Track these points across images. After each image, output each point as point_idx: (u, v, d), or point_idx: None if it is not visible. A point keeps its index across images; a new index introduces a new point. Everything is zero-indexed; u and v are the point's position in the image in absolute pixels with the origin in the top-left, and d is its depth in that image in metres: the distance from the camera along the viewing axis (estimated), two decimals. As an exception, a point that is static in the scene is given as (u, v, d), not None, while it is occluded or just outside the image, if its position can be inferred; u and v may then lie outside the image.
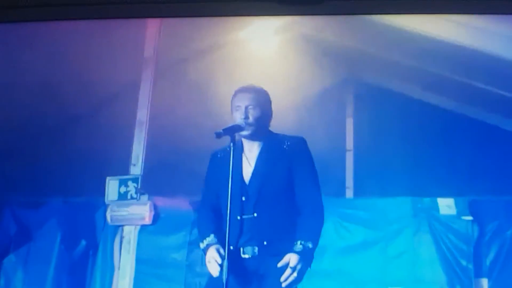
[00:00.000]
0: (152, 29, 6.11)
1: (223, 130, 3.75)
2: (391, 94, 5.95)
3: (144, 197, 5.89)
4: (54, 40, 5.66)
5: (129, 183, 5.91)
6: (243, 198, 3.80)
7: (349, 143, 5.58)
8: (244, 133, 3.87)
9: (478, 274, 5.55)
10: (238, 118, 3.88)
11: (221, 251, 3.71)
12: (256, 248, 3.74)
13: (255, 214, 3.76)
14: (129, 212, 5.85)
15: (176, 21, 5.94)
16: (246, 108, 3.85)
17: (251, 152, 3.88)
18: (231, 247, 3.74)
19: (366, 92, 5.96)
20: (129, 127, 6.04)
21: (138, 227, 5.86)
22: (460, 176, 5.71)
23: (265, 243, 3.73)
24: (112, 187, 5.91)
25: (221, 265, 3.69)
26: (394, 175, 5.74)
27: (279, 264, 3.69)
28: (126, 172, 5.95)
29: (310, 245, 3.72)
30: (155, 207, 5.87)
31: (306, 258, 3.71)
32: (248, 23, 5.67)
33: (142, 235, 5.87)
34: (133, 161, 5.97)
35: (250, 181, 3.83)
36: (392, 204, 5.72)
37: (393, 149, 5.78)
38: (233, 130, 3.79)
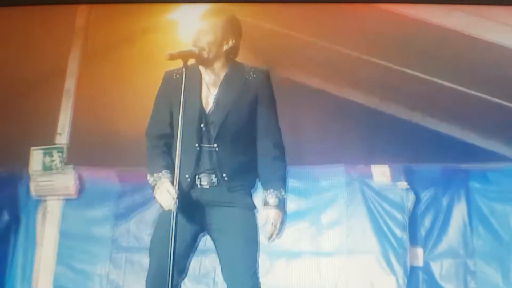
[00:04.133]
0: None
1: (177, 52, 3.44)
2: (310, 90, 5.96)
3: (69, 168, 5.72)
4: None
5: (54, 153, 5.73)
6: (202, 126, 3.52)
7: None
8: (198, 59, 3.54)
9: (413, 244, 5.41)
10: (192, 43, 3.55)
11: (175, 183, 3.38)
12: (215, 178, 3.51)
13: (216, 146, 3.50)
14: (54, 183, 5.68)
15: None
16: (200, 32, 3.55)
17: (211, 79, 3.59)
18: (187, 176, 3.48)
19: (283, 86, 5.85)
20: (56, 96, 5.92)
21: (63, 200, 5.70)
22: (395, 143, 5.60)
23: (225, 176, 3.50)
24: (36, 157, 5.74)
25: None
26: (322, 147, 5.68)
27: (260, 223, 3.52)
28: (52, 142, 5.80)
29: (283, 193, 3.55)
30: (80, 178, 5.71)
31: (282, 207, 3.54)
32: (175, 8, 5.86)
33: (67, 208, 5.69)
34: (59, 130, 5.82)
35: (212, 108, 3.55)
36: (325, 173, 5.60)
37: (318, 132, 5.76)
38: (185, 55, 3.45)
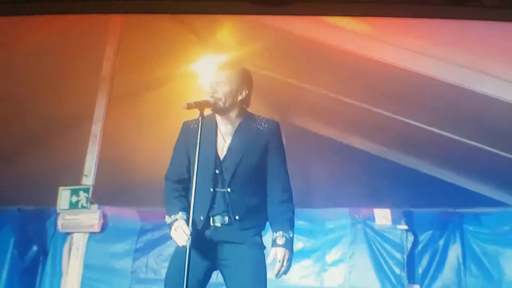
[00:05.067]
0: (110, 51, 6.51)
1: (194, 102, 3.54)
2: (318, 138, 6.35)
3: (94, 206, 6.13)
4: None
5: (80, 193, 6.14)
6: (217, 172, 3.66)
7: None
8: (214, 108, 3.67)
9: (411, 281, 5.73)
10: (209, 93, 3.67)
11: (189, 223, 3.52)
12: (227, 217, 3.65)
13: (229, 190, 3.64)
14: (79, 220, 6.07)
15: (132, 46, 6.38)
16: (217, 83, 3.67)
17: (226, 128, 3.72)
18: (202, 218, 3.62)
19: (296, 134, 6.20)
20: (83, 139, 6.33)
21: (87, 235, 6.07)
22: (396, 189, 5.97)
23: (237, 217, 3.64)
24: (64, 196, 6.15)
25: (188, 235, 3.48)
26: (328, 191, 6.06)
27: (268, 261, 3.63)
28: (78, 182, 6.21)
29: (291, 234, 3.66)
30: (104, 216, 6.08)
31: (289, 247, 3.63)
32: (195, 58, 6.27)
33: (90, 242, 6.06)
34: (85, 172, 6.21)
35: (226, 156, 3.68)
36: (331, 215, 5.92)
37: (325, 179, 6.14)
38: (202, 105, 3.58)
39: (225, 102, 3.67)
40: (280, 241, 3.64)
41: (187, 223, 3.53)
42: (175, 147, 3.84)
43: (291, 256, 3.65)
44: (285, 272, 3.65)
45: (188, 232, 3.49)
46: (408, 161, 6.15)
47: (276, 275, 3.63)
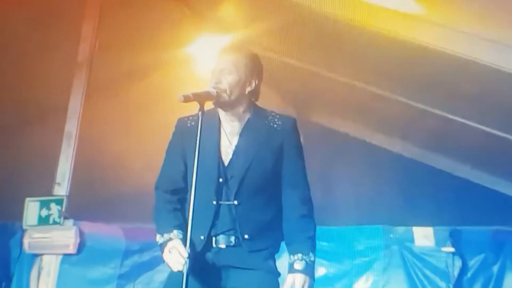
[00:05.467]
0: (88, 31, 5.74)
1: (192, 94, 3.11)
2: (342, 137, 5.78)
3: (69, 222, 5.39)
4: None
5: (52, 205, 5.41)
6: (220, 180, 3.26)
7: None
8: (217, 101, 3.26)
9: (458, 317, 5.07)
10: (211, 83, 3.27)
11: (187, 243, 3.15)
12: (233, 238, 3.25)
13: (236, 202, 3.23)
14: (51, 238, 5.34)
15: (114, 23, 5.67)
16: (221, 71, 3.27)
17: (231, 127, 3.33)
18: (202, 237, 3.23)
19: (315, 131, 5.70)
20: (55, 140, 5.55)
21: (60, 257, 5.37)
22: (441, 204, 5.28)
23: (246, 236, 3.23)
24: (31, 209, 5.42)
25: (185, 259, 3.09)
26: (357, 204, 5.40)
27: None
28: (49, 192, 5.48)
29: (312, 257, 3.25)
30: (81, 234, 5.37)
31: (310, 273, 3.22)
32: (191, 39, 5.64)
33: (64, 266, 5.37)
34: (58, 179, 5.45)
35: (231, 161, 3.29)
36: (360, 234, 5.26)
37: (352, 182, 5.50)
38: (202, 97, 3.16)
39: (230, 94, 3.28)
40: (299, 265, 3.24)
41: (184, 244, 3.16)
42: (169, 149, 3.48)
43: (312, 284, 3.24)
44: None
45: (186, 255, 3.11)
46: (455, 167, 5.40)
47: None
